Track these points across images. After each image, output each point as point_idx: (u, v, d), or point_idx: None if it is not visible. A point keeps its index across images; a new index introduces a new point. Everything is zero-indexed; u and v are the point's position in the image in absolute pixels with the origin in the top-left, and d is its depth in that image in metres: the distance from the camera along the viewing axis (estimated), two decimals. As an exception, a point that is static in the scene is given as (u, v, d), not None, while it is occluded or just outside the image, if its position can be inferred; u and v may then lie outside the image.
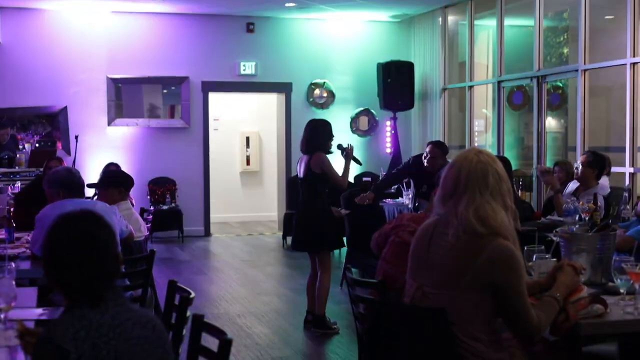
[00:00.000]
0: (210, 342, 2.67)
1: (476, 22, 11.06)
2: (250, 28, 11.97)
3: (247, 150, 13.84)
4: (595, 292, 3.25)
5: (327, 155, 6.18)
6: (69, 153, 10.78)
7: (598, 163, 6.14)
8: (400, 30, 12.54)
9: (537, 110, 9.56)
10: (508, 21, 10.51)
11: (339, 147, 6.36)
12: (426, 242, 2.88)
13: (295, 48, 12.15)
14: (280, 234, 11.37)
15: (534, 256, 3.43)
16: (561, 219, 5.50)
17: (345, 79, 12.35)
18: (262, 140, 13.85)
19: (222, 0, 10.83)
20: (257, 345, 5.81)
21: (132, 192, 6.14)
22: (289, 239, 10.03)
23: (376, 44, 12.39)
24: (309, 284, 6.29)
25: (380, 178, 10.37)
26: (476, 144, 11.15)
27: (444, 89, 11.63)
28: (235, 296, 7.59)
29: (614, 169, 7.33)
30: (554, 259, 3.45)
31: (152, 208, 11.15)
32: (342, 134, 11.49)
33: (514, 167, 8.56)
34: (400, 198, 8.44)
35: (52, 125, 11.26)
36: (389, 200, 8.46)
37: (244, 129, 13.78)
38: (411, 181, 7.76)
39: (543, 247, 3.61)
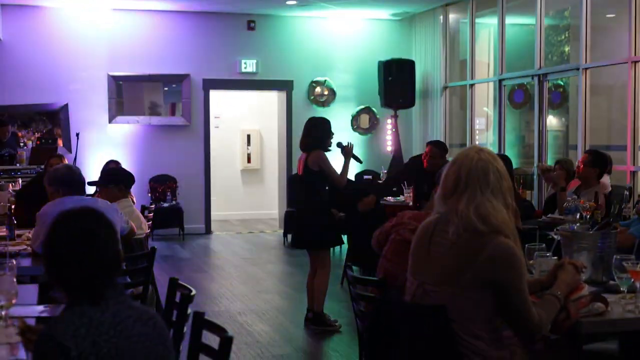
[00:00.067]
0: (211, 340, 2.68)
1: (477, 20, 11.05)
2: (251, 26, 11.97)
3: (248, 148, 13.84)
4: (596, 290, 3.25)
5: (327, 153, 6.19)
6: (70, 150, 10.78)
7: (599, 162, 6.13)
8: (401, 28, 12.54)
9: (538, 109, 9.56)
10: (509, 19, 10.51)
11: (339, 145, 6.37)
12: (427, 240, 2.87)
13: (296, 46, 12.15)
14: (281, 231, 11.37)
15: (535, 254, 3.43)
16: (562, 217, 5.50)
17: (346, 76, 12.35)
18: (263, 138, 13.85)
19: (223, -2, 10.84)
20: (258, 342, 5.81)
21: (133, 190, 6.14)
22: (290, 237, 10.04)
23: (377, 42, 12.38)
24: (309, 281, 6.29)
25: (382, 179, 10.41)
26: (477, 142, 11.14)
27: (445, 87, 11.63)
28: (236, 294, 7.59)
29: (615, 168, 7.33)
30: (555, 257, 3.45)
31: (153, 205, 11.14)
32: (343, 132, 11.49)
33: (514, 166, 8.56)
34: (401, 196, 8.44)
35: (53, 123, 11.26)
36: (389, 199, 8.46)
37: (244, 126, 13.78)
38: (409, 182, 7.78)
39: (544, 245, 3.61)
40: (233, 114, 13.62)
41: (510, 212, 2.82)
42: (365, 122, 12.49)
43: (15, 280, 2.92)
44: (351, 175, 10.43)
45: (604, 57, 9.03)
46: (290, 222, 9.89)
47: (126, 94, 11.62)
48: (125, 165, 9.02)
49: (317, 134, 6.18)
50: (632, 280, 3.11)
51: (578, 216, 4.06)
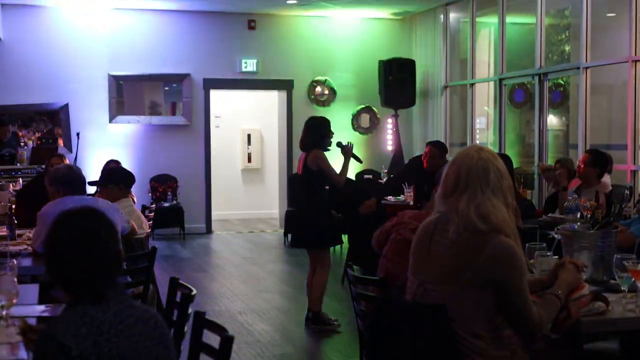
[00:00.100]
0: (212, 339, 2.68)
1: (478, 20, 11.05)
2: (251, 25, 11.97)
3: (248, 148, 13.84)
4: (596, 289, 3.25)
5: (327, 153, 6.20)
6: (70, 150, 10.79)
7: (600, 162, 6.13)
8: (401, 27, 12.54)
9: (538, 108, 9.56)
10: (510, 18, 10.50)
11: (339, 144, 6.38)
12: (427, 240, 2.88)
13: (296, 45, 12.15)
14: (282, 231, 11.38)
15: (536, 253, 3.43)
16: (563, 216, 5.50)
17: (346, 76, 12.35)
18: (264, 138, 13.85)
19: (224, -2, 10.84)
20: (259, 342, 5.81)
21: (134, 189, 6.14)
22: (290, 236, 10.04)
23: (378, 42, 12.38)
24: (309, 281, 6.29)
25: (382, 179, 10.41)
26: (477, 142, 11.14)
27: (446, 87, 11.63)
28: (236, 293, 7.59)
29: (615, 167, 7.33)
30: (556, 257, 3.45)
31: (153, 205, 11.14)
32: (343, 132, 11.49)
33: (515, 165, 8.56)
34: (401, 196, 8.44)
35: (53, 123, 11.27)
36: (390, 198, 8.46)
37: (245, 126, 13.78)
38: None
39: (545, 244, 3.61)
40: (233, 114, 13.62)
41: (511, 211, 2.82)
42: (366, 121, 12.49)
43: (16, 279, 2.92)
44: (351, 175, 10.44)
45: (604, 56, 9.02)
46: (291, 221, 9.89)
47: (127, 94, 11.62)
48: (126, 164, 9.02)
49: (316, 133, 6.20)
50: (633, 279, 3.11)
51: (579, 215, 4.06)
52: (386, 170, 10.76)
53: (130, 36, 11.49)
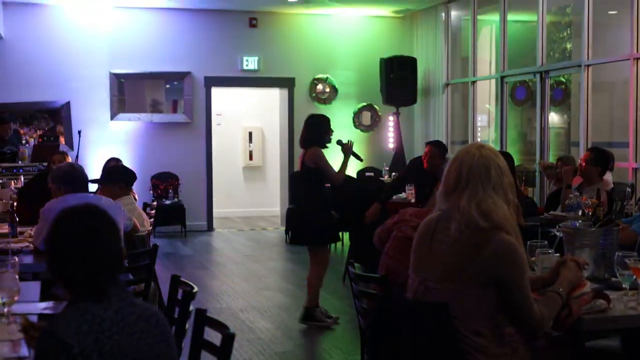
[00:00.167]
0: (213, 337, 2.68)
1: (479, 17, 11.03)
2: (253, 23, 11.97)
3: (249, 145, 13.83)
4: (598, 287, 3.25)
5: (329, 151, 6.22)
6: (71, 148, 10.79)
7: (602, 160, 6.12)
8: (403, 25, 12.53)
9: (540, 106, 9.55)
10: (511, 16, 10.49)
11: (339, 142, 6.39)
12: (429, 237, 2.87)
13: (298, 43, 12.14)
14: (283, 228, 11.38)
15: (537, 251, 3.43)
16: (564, 214, 5.49)
17: (348, 74, 12.34)
18: (265, 136, 13.85)
19: (225, -5, 10.84)
20: (260, 339, 5.82)
21: (135, 187, 6.15)
22: (290, 233, 10.04)
23: (379, 39, 12.37)
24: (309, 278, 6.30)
25: (384, 176, 10.42)
26: (479, 140, 11.14)
27: (447, 84, 11.62)
28: (237, 291, 7.60)
29: (616, 165, 7.32)
30: (557, 254, 3.45)
31: (154, 203, 11.16)
32: (344, 129, 11.50)
33: (516, 163, 8.55)
34: (402, 193, 8.43)
35: (55, 120, 11.27)
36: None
37: (246, 124, 13.78)
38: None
39: (546, 242, 3.61)
40: (235, 112, 13.62)
41: (512, 208, 2.82)
42: (367, 119, 12.48)
43: (17, 277, 2.92)
44: (353, 173, 10.44)
45: (606, 54, 9.02)
46: (292, 218, 9.90)
47: (128, 92, 11.62)
48: (127, 162, 9.02)
49: (316, 131, 6.22)
50: (634, 277, 3.11)
51: (580, 213, 4.06)
52: (387, 168, 10.76)
53: (131, 34, 11.49)
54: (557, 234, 4.16)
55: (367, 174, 11.11)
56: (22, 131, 10.85)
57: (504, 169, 2.83)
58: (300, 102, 12.13)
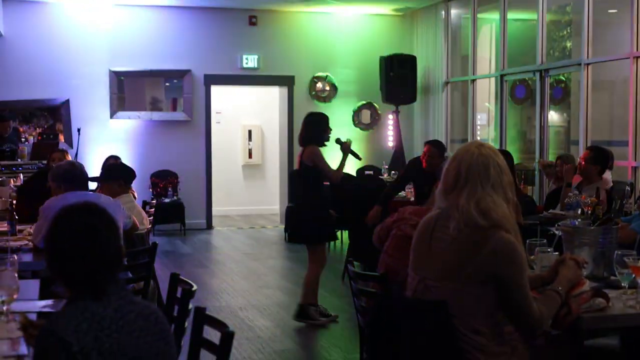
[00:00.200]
0: (212, 335, 2.68)
1: (479, 16, 11.03)
2: (252, 21, 11.96)
3: (249, 144, 13.83)
4: (597, 286, 3.25)
5: (327, 149, 6.23)
6: (71, 146, 10.78)
7: (601, 159, 6.12)
8: (403, 23, 12.52)
9: (539, 104, 9.55)
10: (511, 14, 10.49)
11: (337, 141, 6.40)
12: (428, 236, 2.87)
13: (297, 41, 12.13)
14: (282, 227, 11.38)
15: (536, 250, 3.43)
16: (564, 212, 5.50)
17: (347, 72, 12.34)
18: (264, 134, 13.84)
19: (225, -7, 10.83)
20: (259, 338, 5.82)
21: (134, 185, 6.15)
22: (288, 231, 10.05)
23: (379, 37, 12.37)
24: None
25: (383, 175, 10.41)
26: (478, 138, 11.14)
27: (447, 83, 11.62)
28: (237, 289, 7.60)
29: (616, 163, 7.32)
30: (556, 253, 3.45)
31: (154, 201, 11.14)
32: (344, 128, 11.49)
33: (516, 161, 8.55)
34: (402, 192, 8.43)
35: (54, 118, 11.27)
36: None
37: (246, 122, 13.77)
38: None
39: (545, 240, 3.61)
40: (234, 110, 13.61)
41: (511, 207, 2.82)
42: (367, 117, 12.48)
43: (16, 275, 2.92)
44: (352, 171, 10.44)
45: (605, 53, 9.02)
46: (290, 217, 9.90)
47: (127, 90, 11.62)
48: (127, 160, 9.02)
49: (313, 129, 6.23)
50: (633, 275, 3.11)
51: (579, 212, 4.06)
52: (387, 167, 10.76)
53: (131, 32, 11.48)
54: (557, 232, 4.17)
55: (367, 172, 11.11)
56: (21, 129, 10.84)
57: (503, 168, 2.83)
58: (300, 100, 12.13)
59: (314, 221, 6.15)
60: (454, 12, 11.64)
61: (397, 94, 11.51)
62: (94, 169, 9.37)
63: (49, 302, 3.26)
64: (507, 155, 5.75)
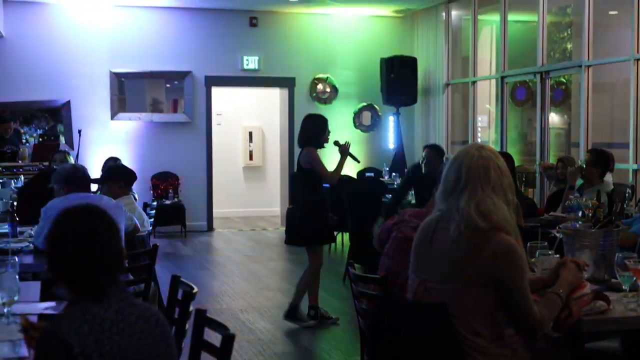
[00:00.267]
0: (213, 337, 2.68)
1: (480, 17, 11.04)
2: (253, 22, 11.97)
3: (250, 145, 13.83)
4: (598, 288, 3.25)
5: (326, 151, 6.23)
6: (72, 147, 10.79)
7: (602, 162, 6.12)
8: (403, 25, 12.53)
9: (540, 106, 9.55)
10: (512, 16, 10.49)
11: (336, 143, 6.39)
12: (428, 238, 2.87)
13: (298, 43, 12.14)
14: (283, 229, 11.36)
15: (537, 252, 3.43)
16: (564, 215, 5.49)
17: (348, 73, 12.34)
18: (265, 135, 13.85)
19: (226, -5, 10.83)
20: (260, 340, 5.82)
21: (135, 187, 6.15)
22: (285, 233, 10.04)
23: (379, 39, 12.37)
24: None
25: (384, 177, 10.41)
26: (479, 140, 11.14)
27: (447, 85, 11.62)
28: (237, 291, 7.59)
29: (617, 166, 7.31)
30: (557, 256, 3.45)
31: (155, 203, 11.17)
32: (345, 129, 11.50)
33: (516, 163, 8.55)
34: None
35: (55, 120, 11.27)
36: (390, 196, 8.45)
37: (246, 123, 13.78)
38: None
39: (546, 243, 3.61)
40: (235, 111, 13.62)
41: (512, 209, 2.82)
42: (367, 119, 12.48)
43: (17, 277, 2.92)
44: (353, 173, 10.44)
45: (606, 55, 9.01)
46: (290, 219, 9.90)
47: (128, 91, 11.63)
48: (127, 162, 9.03)
49: (311, 130, 6.23)
50: (634, 278, 3.11)
51: (580, 214, 4.05)
52: (387, 169, 10.76)
53: (132, 33, 11.49)
54: (557, 235, 4.16)
55: (367, 174, 11.11)
56: (22, 130, 10.84)
57: (503, 170, 2.83)
58: (301, 101, 12.13)
59: (313, 222, 6.14)
60: (454, 13, 11.64)
61: (398, 95, 11.51)
62: (94, 170, 9.36)
63: (50, 304, 3.26)
64: (507, 157, 5.74)
